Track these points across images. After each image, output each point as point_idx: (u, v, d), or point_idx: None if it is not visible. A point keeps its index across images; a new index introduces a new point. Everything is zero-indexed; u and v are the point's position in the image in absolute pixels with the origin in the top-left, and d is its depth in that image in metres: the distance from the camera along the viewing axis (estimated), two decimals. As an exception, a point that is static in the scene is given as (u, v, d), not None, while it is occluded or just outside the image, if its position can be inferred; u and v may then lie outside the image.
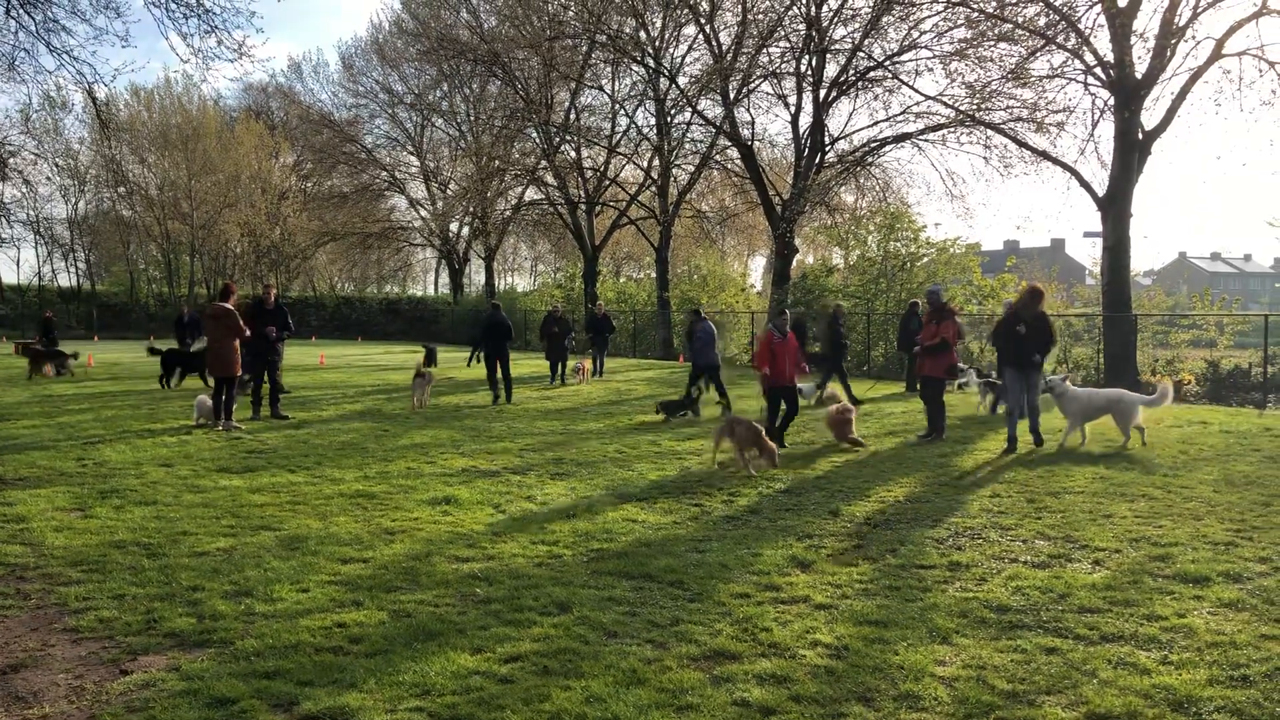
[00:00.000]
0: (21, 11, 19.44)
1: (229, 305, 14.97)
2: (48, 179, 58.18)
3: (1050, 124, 25.54)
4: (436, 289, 75.27)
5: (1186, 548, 7.68)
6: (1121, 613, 6.10)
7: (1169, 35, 21.49)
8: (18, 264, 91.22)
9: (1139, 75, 21.97)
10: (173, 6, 18.42)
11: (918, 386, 16.93)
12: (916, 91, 29.60)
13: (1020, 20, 24.16)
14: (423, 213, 60.53)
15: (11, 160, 32.95)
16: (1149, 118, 22.58)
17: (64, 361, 24.49)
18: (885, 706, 4.71)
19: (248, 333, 15.13)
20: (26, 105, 63.76)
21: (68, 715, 4.55)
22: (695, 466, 11.72)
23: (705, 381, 18.23)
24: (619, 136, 43.83)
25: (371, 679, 4.94)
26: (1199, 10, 21.32)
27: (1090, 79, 23.48)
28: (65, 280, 63.54)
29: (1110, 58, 22.37)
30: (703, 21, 33.56)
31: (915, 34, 28.44)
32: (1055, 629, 5.81)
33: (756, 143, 34.83)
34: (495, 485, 10.38)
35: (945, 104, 28.22)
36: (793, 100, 33.06)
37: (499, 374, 19.06)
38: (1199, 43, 21.69)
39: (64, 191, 60.97)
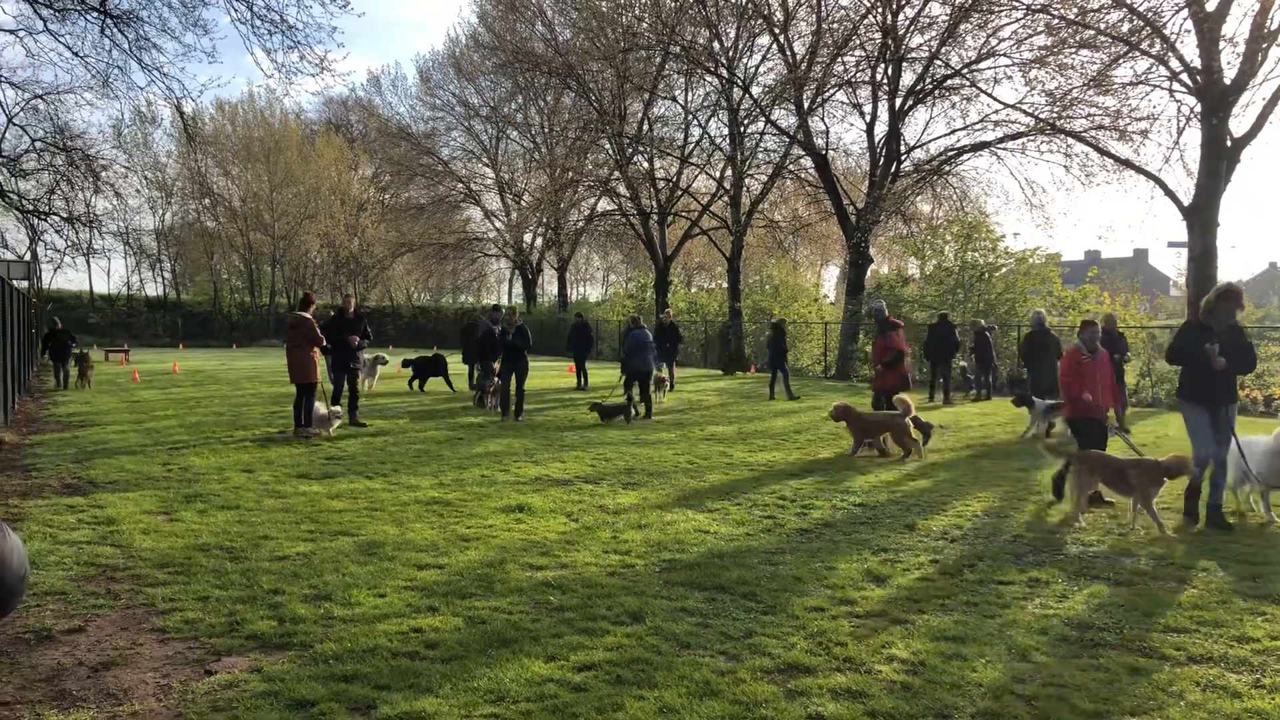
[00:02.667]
0: (115, 30, 20.20)
1: (306, 314, 15.30)
2: (137, 191, 60.14)
3: (1133, 132, 25.01)
4: (510, 299, 76.02)
5: (1279, 568, 7.42)
6: (1210, 633, 5.92)
7: (1260, 39, 20.88)
8: (108, 274, 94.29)
9: (1227, 81, 21.38)
10: (258, 23, 19.03)
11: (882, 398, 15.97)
12: (995, 100, 29.30)
13: (1102, 27, 23.67)
14: (497, 224, 61.22)
15: (104, 174, 34.05)
16: (1238, 124, 21.97)
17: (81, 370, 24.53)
18: (963, 724, 4.62)
19: (324, 341, 15.46)
20: (119, 120, 65.96)
21: (156, 713, 4.67)
22: (755, 475, 11.65)
23: (626, 383, 19.56)
24: (692, 147, 43.84)
25: (447, 684, 4.99)
26: (1292, 13, 20.69)
27: (1176, 85, 22.91)
28: (152, 290, 65.57)
29: (1197, 64, 21.81)
30: (777, 31, 33.47)
31: (994, 42, 28.08)
32: (1140, 648, 5.65)
33: (831, 152, 34.65)
34: (568, 494, 10.43)
35: (1025, 112, 27.80)
36: (868, 109, 32.87)
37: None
38: (1292, 47, 21.07)
39: (152, 203, 63.00)
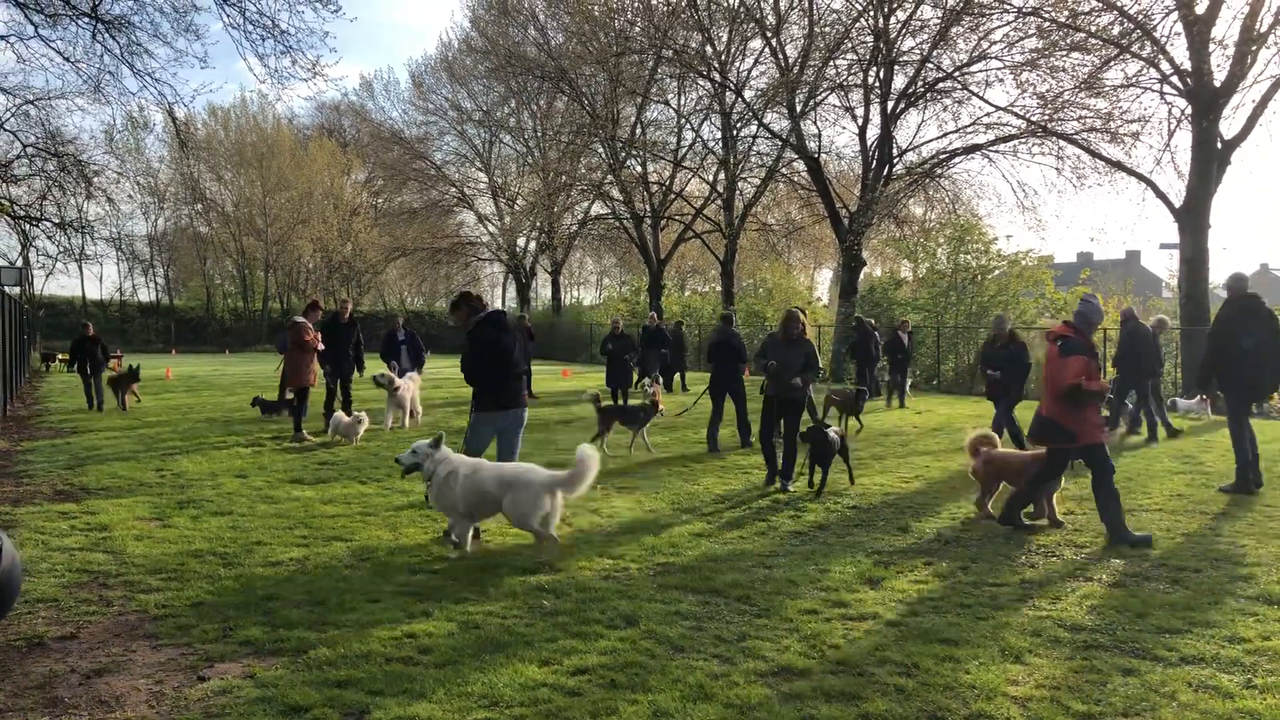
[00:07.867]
0: (107, 36, 20.17)
1: (302, 318, 15.30)
2: (129, 197, 59.68)
3: (1125, 134, 25.13)
4: (504, 303, 75.94)
5: (1271, 568, 7.44)
6: (1202, 634, 5.93)
7: (1250, 42, 21.01)
8: (100, 280, 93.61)
9: (1217, 83, 21.49)
10: (250, 28, 18.98)
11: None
12: (986, 102, 29.28)
13: (1093, 29, 23.80)
14: (491, 228, 61.10)
15: (96, 179, 34.01)
16: (1228, 126, 22.11)
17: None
18: (957, 726, 4.63)
19: (320, 346, 15.43)
20: (111, 126, 65.87)
21: (148, 720, 4.67)
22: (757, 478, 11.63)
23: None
24: (685, 150, 43.92)
25: (441, 689, 4.98)
26: (1281, 15, 20.82)
27: (1166, 88, 23.04)
28: (145, 295, 65.35)
29: (1187, 66, 21.93)
30: (769, 35, 33.54)
31: (985, 45, 28.16)
32: (1132, 649, 5.67)
33: (823, 155, 34.70)
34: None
35: (1016, 115, 27.91)
36: (860, 112, 32.89)
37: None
38: (1282, 48, 21.19)
39: (144, 209, 62.75)
